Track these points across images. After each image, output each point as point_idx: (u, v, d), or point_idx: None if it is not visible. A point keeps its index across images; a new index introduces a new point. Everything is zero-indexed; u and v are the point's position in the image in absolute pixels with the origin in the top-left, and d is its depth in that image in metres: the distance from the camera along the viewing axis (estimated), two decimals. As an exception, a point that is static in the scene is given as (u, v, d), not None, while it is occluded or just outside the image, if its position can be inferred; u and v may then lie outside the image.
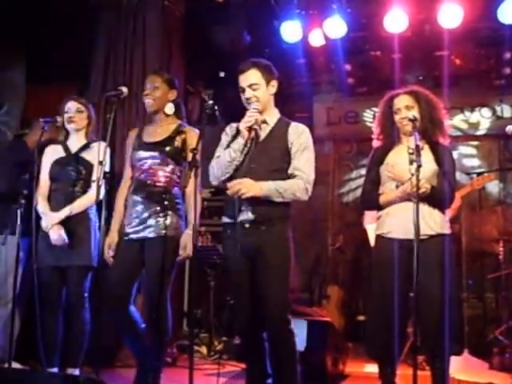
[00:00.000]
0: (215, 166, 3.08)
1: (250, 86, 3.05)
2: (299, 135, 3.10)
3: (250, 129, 2.98)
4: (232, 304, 3.34)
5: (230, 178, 3.04)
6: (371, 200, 3.38)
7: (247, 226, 3.01)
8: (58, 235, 3.61)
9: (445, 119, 3.36)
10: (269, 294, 2.96)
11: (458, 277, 4.18)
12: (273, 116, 3.16)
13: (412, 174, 2.92)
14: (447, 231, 3.25)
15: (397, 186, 3.23)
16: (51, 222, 3.64)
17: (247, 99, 3.06)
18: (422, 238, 2.93)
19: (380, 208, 3.33)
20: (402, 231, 3.16)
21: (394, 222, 3.23)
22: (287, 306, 3.02)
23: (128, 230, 3.48)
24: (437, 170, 3.23)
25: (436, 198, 3.17)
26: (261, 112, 3.06)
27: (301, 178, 3.03)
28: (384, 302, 3.18)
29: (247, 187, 2.93)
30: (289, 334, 2.99)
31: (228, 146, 3.10)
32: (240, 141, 3.01)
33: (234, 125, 3.21)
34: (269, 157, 3.05)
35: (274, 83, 3.13)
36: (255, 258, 3.01)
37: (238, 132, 3.08)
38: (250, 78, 3.05)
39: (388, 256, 3.20)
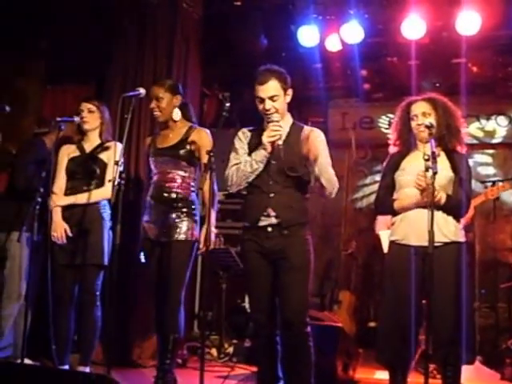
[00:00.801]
0: (234, 175, 3.07)
1: (270, 98, 3.04)
2: (315, 137, 3.10)
3: (272, 143, 2.98)
4: (248, 305, 3.35)
5: (249, 185, 3.07)
6: (385, 205, 3.37)
7: (270, 230, 3.03)
8: (59, 232, 3.64)
9: (462, 127, 3.34)
10: (289, 295, 2.98)
11: (471, 286, 4.15)
12: (287, 121, 3.16)
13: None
14: (462, 239, 3.23)
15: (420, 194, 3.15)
16: (58, 202, 3.71)
17: (267, 110, 3.04)
18: (436, 245, 2.92)
19: (394, 213, 3.32)
20: (417, 238, 3.14)
21: (409, 229, 3.21)
22: (306, 309, 3.04)
23: (148, 232, 3.62)
24: (453, 177, 3.22)
25: (451, 206, 3.16)
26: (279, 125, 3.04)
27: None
28: (396, 308, 3.17)
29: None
30: (305, 336, 3.01)
31: (248, 153, 3.10)
32: (263, 153, 3.01)
33: (245, 130, 3.23)
34: (286, 163, 3.04)
35: (290, 92, 3.13)
36: (277, 261, 3.03)
37: (255, 139, 3.09)
38: (270, 89, 3.03)
39: (402, 262, 3.19)
